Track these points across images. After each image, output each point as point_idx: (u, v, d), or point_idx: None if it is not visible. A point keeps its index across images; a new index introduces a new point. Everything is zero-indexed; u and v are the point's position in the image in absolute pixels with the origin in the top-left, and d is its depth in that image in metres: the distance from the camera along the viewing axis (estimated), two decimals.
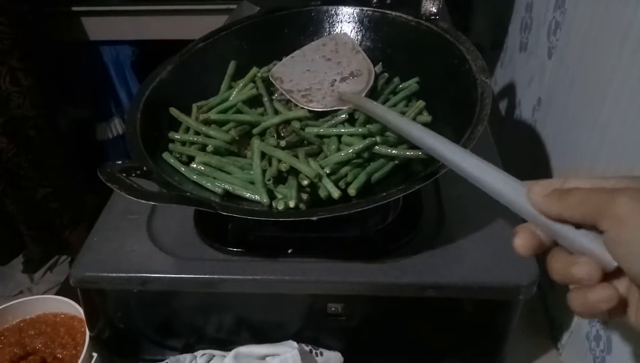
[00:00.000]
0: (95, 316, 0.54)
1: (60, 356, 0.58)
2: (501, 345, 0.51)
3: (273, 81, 0.58)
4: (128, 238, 0.52)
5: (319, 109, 0.53)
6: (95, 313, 0.53)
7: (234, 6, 1.10)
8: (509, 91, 0.86)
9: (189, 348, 0.54)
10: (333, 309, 0.49)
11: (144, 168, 0.44)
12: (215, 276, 0.48)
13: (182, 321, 0.53)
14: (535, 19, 0.74)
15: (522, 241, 0.29)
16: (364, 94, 0.53)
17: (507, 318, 0.49)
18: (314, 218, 0.40)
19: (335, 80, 0.56)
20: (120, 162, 0.43)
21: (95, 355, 0.55)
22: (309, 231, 0.49)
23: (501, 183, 0.31)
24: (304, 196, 0.44)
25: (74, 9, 1.22)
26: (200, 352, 0.53)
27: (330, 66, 0.58)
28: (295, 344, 0.50)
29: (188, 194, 0.42)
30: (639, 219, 0.23)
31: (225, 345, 0.53)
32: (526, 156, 0.73)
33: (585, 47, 0.55)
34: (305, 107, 0.53)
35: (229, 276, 0.48)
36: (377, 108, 0.47)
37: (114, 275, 0.49)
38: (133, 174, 0.42)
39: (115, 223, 0.54)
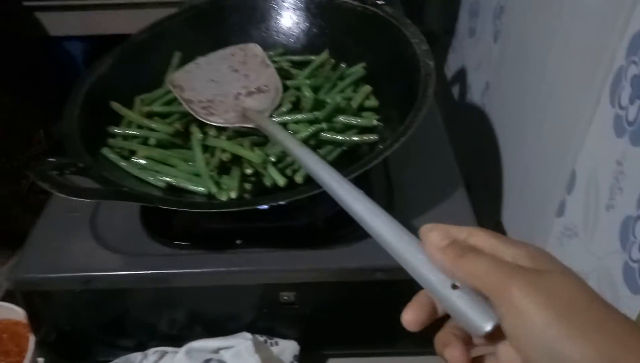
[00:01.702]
0: (40, 320, 0.52)
1: None
2: None
3: (172, 89, 0.53)
4: (70, 236, 0.50)
5: (219, 125, 0.49)
6: (39, 317, 0.51)
7: None
8: (460, 76, 0.87)
9: (141, 347, 0.53)
10: (286, 297, 0.49)
11: (80, 165, 0.42)
12: (162, 271, 0.47)
13: (132, 319, 0.52)
14: (482, 4, 0.75)
15: (410, 316, 0.28)
16: (268, 113, 0.49)
17: None
18: (257, 208, 0.40)
19: (240, 93, 0.52)
20: (54, 159, 0.41)
21: (41, 360, 0.53)
22: (257, 221, 0.48)
23: (392, 233, 0.30)
24: (247, 186, 0.43)
25: (26, 4, 1.16)
26: (152, 349, 0.52)
27: (237, 78, 0.54)
28: (249, 335, 0.50)
29: (125, 189, 0.40)
30: (537, 313, 0.21)
31: (179, 341, 0.51)
32: (477, 140, 0.74)
33: (526, 27, 0.57)
34: (204, 121, 0.49)
35: (177, 271, 0.47)
36: (278, 133, 0.43)
37: (55, 275, 0.47)
38: (67, 172, 0.41)
39: (57, 222, 0.52)
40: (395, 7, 0.93)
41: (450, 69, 0.96)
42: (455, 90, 0.90)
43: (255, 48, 0.56)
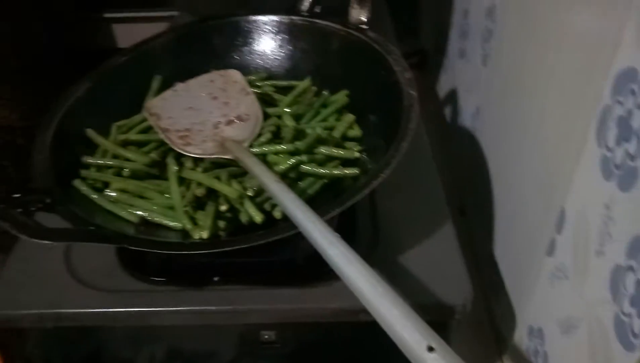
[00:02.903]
0: (12, 356, 0.50)
1: None
2: None
3: (147, 117, 0.51)
4: (43, 270, 0.48)
5: (196, 155, 0.47)
6: (11, 353, 0.49)
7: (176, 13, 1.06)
8: (451, 97, 0.86)
9: None
10: (266, 337, 0.47)
11: (47, 201, 0.41)
12: (137, 309, 0.45)
13: (107, 356, 0.50)
14: (471, 26, 0.74)
15: None
16: (247, 143, 0.47)
17: (444, 338, 0.47)
18: (228, 249, 0.38)
19: (219, 122, 0.50)
20: (18, 195, 0.39)
21: None
22: (235, 256, 0.46)
23: (366, 283, 0.29)
24: (222, 224, 0.41)
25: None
26: None
27: (216, 106, 0.52)
28: None
29: (92, 229, 0.38)
30: None
31: None
32: (470, 164, 0.72)
33: (514, 54, 0.55)
34: (181, 151, 0.47)
35: (152, 309, 0.45)
36: (255, 167, 0.41)
37: (24, 312, 0.45)
38: (33, 208, 0.39)
39: (31, 254, 0.50)
40: (386, 24, 0.93)
41: (442, 89, 0.95)
42: (448, 111, 0.89)
43: (235, 75, 0.55)
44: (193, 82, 0.56)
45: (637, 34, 0.32)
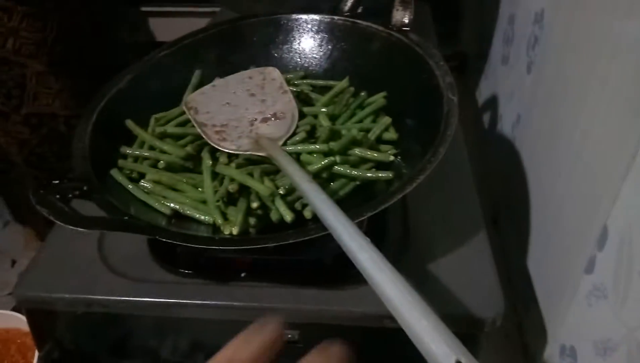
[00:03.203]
0: (43, 337, 0.51)
1: None
2: None
3: (186, 111, 0.52)
4: (77, 256, 0.49)
5: (231, 151, 0.47)
6: (42, 334, 0.51)
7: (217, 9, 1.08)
8: (492, 104, 0.83)
9: None
10: (289, 336, 0.46)
11: (84, 188, 0.41)
12: (164, 300, 0.45)
13: (134, 344, 0.51)
14: (516, 32, 0.72)
15: None
16: (281, 141, 0.47)
17: (472, 351, 0.46)
18: (256, 247, 0.38)
19: (255, 119, 0.50)
20: (57, 181, 0.40)
21: None
22: (264, 253, 0.47)
23: (395, 291, 0.28)
24: (252, 221, 0.41)
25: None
26: None
27: (253, 102, 0.52)
28: None
29: (126, 218, 0.39)
30: None
31: None
32: (506, 174, 0.70)
33: (561, 62, 0.53)
34: (215, 146, 0.48)
35: (179, 301, 0.45)
36: (288, 165, 0.41)
37: (56, 296, 0.46)
38: (70, 195, 0.40)
39: (66, 239, 0.51)
40: (428, 27, 0.91)
41: (482, 95, 0.93)
42: (487, 117, 0.87)
43: (273, 72, 0.55)
44: (232, 79, 0.56)
45: None
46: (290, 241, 0.37)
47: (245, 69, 0.60)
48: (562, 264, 0.49)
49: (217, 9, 1.05)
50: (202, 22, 0.98)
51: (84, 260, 0.49)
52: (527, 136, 0.63)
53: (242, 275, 0.46)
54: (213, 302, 0.45)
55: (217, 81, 0.56)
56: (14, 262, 1.39)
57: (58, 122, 1.07)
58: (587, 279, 0.43)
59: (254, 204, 0.42)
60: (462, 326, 0.43)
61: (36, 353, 0.53)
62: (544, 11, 0.60)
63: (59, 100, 1.06)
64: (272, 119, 0.50)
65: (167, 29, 1.21)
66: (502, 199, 0.73)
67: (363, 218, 0.38)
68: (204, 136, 0.49)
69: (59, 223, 0.36)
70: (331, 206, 0.35)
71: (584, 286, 0.43)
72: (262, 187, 0.43)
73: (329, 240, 0.48)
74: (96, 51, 1.15)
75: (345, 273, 0.46)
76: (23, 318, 0.57)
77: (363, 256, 0.30)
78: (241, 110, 0.52)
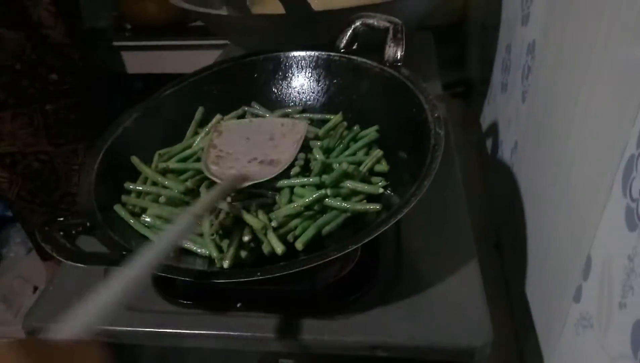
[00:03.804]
0: None
1: None
2: None
3: (212, 131, 0.56)
4: (84, 287, 0.51)
5: (208, 175, 0.49)
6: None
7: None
8: (493, 130, 0.84)
9: None
10: None
11: (87, 224, 0.44)
12: (162, 330, 0.47)
13: None
14: (512, 61, 0.73)
15: None
16: (248, 184, 0.48)
17: None
18: (245, 280, 0.39)
19: (255, 159, 0.52)
20: (62, 219, 0.43)
21: None
22: (258, 284, 0.48)
23: None
24: (244, 254, 0.43)
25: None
26: None
27: (267, 145, 0.54)
28: None
29: (124, 253, 0.41)
30: None
31: None
32: (507, 199, 0.71)
33: (549, 92, 0.54)
34: (202, 169, 0.50)
35: (176, 330, 0.47)
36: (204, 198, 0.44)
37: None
38: (73, 232, 0.42)
39: (74, 271, 0.54)
40: (431, 56, 0.93)
41: (485, 121, 0.94)
42: (489, 143, 0.88)
43: (301, 126, 0.55)
44: (267, 120, 0.59)
45: None
46: (277, 275, 0.39)
47: (247, 104, 0.62)
48: (555, 291, 0.50)
49: (227, 42, 1.09)
50: (214, 55, 1.03)
51: (90, 292, 0.51)
52: (523, 163, 0.64)
53: (238, 305, 0.47)
54: (210, 332, 0.46)
55: (256, 119, 0.59)
56: (35, 288, 1.43)
57: (29, 159, 1.11)
58: (575, 307, 0.43)
59: (246, 238, 0.44)
60: (452, 355, 0.44)
61: None
62: (535, 42, 0.61)
63: (20, 140, 1.09)
64: (266, 163, 0.51)
65: (182, 61, 1.26)
66: (504, 224, 0.74)
67: (346, 251, 0.39)
68: (203, 156, 0.52)
69: (60, 259, 0.38)
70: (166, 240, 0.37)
71: (572, 314, 0.44)
72: (254, 221, 0.45)
73: (320, 270, 0.50)
74: (98, 86, 1.21)
75: (337, 303, 0.47)
76: None
77: None
78: (253, 148, 0.54)
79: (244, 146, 0.54)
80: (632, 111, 0.34)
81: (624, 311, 0.34)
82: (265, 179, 0.48)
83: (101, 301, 0.32)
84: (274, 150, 0.53)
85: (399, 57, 0.57)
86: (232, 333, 0.46)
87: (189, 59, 1.26)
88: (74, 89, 1.12)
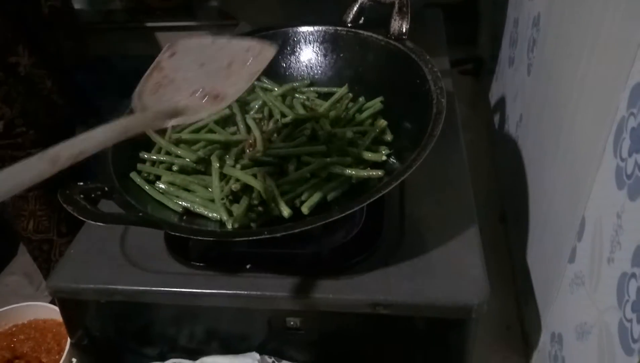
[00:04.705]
0: (73, 325, 0.57)
1: (45, 360, 0.62)
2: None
3: (165, 50, 0.47)
4: (102, 251, 0.55)
5: (134, 107, 0.42)
6: (72, 322, 0.56)
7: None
8: (500, 105, 0.85)
9: (162, 357, 0.56)
10: (292, 323, 0.50)
11: (105, 189, 0.47)
12: (178, 289, 0.50)
13: (154, 331, 0.56)
14: (519, 35, 0.74)
15: None
16: (174, 122, 0.42)
17: (462, 336, 0.49)
18: (252, 238, 0.42)
19: (198, 91, 0.43)
20: (82, 183, 0.45)
21: (74, 360, 0.58)
22: (267, 247, 0.51)
23: None
24: (253, 216, 0.46)
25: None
26: (171, 360, 0.55)
27: (220, 75, 0.45)
28: (257, 355, 0.52)
29: (141, 214, 0.44)
30: None
31: (196, 354, 0.54)
32: (512, 172, 0.72)
33: (551, 65, 0.55)
34: (133, 99, 0.43)
35: (191, 290, 0.50)
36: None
37: (83, 286, 0.51)
38: (92, 195, 0.45)
39: (94, 236, 0.57)
40: (439, 32, 0.94)
41: (494, 97, 0.95)
42: (497, 118, 0.88)
43: (269, 54, 0.47)
44: (234, 42, 0.48)
45: None
46: (282, 234, 0.41)
47: (258, 80, 0.64)
48: (553, 255, 0.52)
49: (238, 23, 1.11)
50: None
51: (108, 255, 0.54)
52: (528, 136, 0.66)
53: (248, 266, 0.50)
54: (221, 291, 0.49)
55: (219, 40, 0.48)
56: None
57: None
58: (570, 268, 0.45)
59: (255, 202, 0.46)
60: (451, 312, 0.46)
61: (68, 340, 0.59)
62: (540, 15, 0.62)
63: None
64: (210, 98, 0.44)
65: None
66: (509, 197, 0.75)
67: (350, 211, 0.41)
68: (144, 88, 0.44)
69: (81, 218, 0.41)
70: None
71: (568, 275, 0.46)
72: (262, 186, 0.47)
73: (326, 235, 0.52)
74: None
75: (340, 264, 0.49)
76: (58, 309, 0.63)
77: None
78: (203, 77, 0.45)
79: (194, 73, 0.46)
80: (624, 75, 0.35)
81: (612, 265, 0.36)
82: (198, 119, 0.43)
83: None
84: (224, 81, 0.45)
85: (404, 30, 0.58)
86: (241, 292, 0.49)
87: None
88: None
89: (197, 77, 0.45)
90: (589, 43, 0.44)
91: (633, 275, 0.32)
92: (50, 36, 1.02)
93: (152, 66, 0.45)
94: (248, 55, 0.47)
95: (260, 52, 0.47)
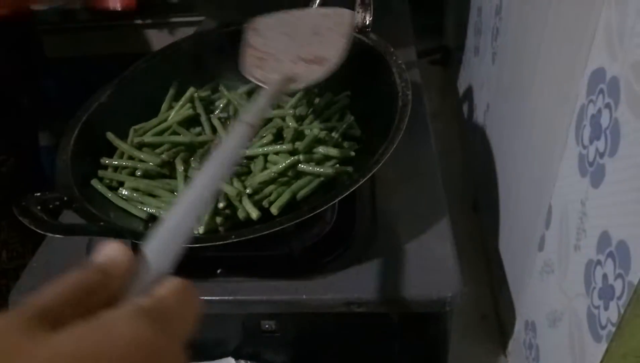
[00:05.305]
0: None
1: None
2: (440, 356, 0.51)
3: (248, 30, 0.51)
4: (67, 261, 0.53)
5: (252, 80, 0.47)
6: None
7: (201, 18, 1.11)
8: (468, 94, 0.86)
9: None
10: (267, 326, 0.50)
11: (64, 198, 0.45)
12: None
13: None
14: (483, 24, 0.74)
15: None
16: (302, 85, 0.46)
17: (438, 329, 0.49)
18: (222, 243, 0.41)
19: (300, 58, 0.47)
20: (39, 194, 0.43)
21: None
22: (237, 250, 0.49)
23: None
24: (219, 220, 0.45)
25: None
26: None
27: (311, 42, 0.49)
28: (233, 361, 0.51)
29: (102, 224, 0.42)
30: None
31: None
32: (482, 161, 0.73)
33: (516, 52, 0.55)
34: (245, 75, 0.47)
35: None
36: (258, 103, 0.39)
37: None
38: (51, 206, 0.43)
39: (57, 247, 0.55)
40: (405, 23, 0.94)
41: (462, 86, 0.95)
42: (466, 107, 0.89)
43: (348, 15, 0.51)
44: (307, 12, 0.54)
45: (606, 33, 0.32)
46: (251, 237, 0.40)
47: (221, 78, 0.63)
48: (522, 244, 0.52)
49: (201, 19, 1.08)
50: (189, 31, 1.02)
51: (73, 264, 0.52)
52: (495, 125, 0.66)
53: (219, 271, 0.49)
54: None
55: (294, 11, 0.53)
56: None
57: None
58: (540, 256, 0.45)
59: (220, 205, 0.45)
60: (426, 306, 0.46)
61: None
62: (502, 3, 0.62)
63: None
64: (313, 62, 0.48)
65: (159, 39, 1.25)
66: (480, 186, 0.76)
67: (320, 210, 0.41)
68: (246, 59, 0.48)
69: (38, 230, 0.39)
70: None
71: (538, 263, 0.46)
72: (229, 188, 0.46)
73: (297, 235, 0.51)
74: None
75: (313, 264, 0.49)
76: None
77: None
78: (295, 45, 0.49)
79: (285, 44, 0.50)
80: (582, 62, 0.35)
81: (578, 253, 0.36)
82: (316, 80, 0.46)
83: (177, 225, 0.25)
84: (319, 46, 0.49)
85: (367, 22, 0.57)
86: (214, 297, 0.47)
87: (166, 38, 1.25)
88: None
89: (289, 47, 0.49)
90: (548, 31, 0.44)
91: (599, 262, 0.33)
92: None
93: (243, 46, 0.50)
94: (329, 21, 0.51)
95: (337, 15, 0.52)
